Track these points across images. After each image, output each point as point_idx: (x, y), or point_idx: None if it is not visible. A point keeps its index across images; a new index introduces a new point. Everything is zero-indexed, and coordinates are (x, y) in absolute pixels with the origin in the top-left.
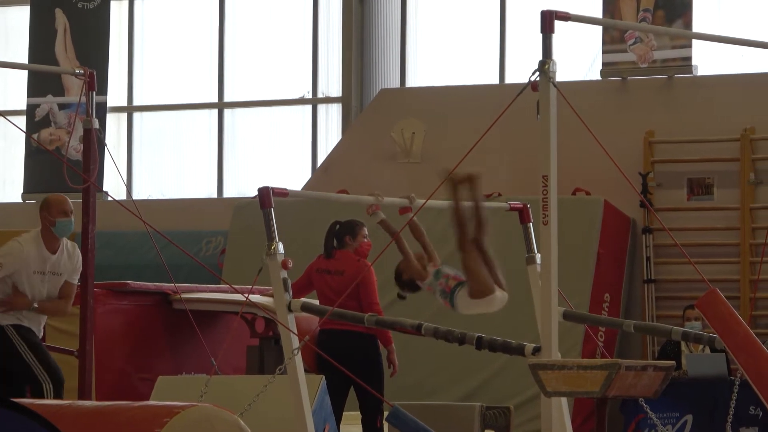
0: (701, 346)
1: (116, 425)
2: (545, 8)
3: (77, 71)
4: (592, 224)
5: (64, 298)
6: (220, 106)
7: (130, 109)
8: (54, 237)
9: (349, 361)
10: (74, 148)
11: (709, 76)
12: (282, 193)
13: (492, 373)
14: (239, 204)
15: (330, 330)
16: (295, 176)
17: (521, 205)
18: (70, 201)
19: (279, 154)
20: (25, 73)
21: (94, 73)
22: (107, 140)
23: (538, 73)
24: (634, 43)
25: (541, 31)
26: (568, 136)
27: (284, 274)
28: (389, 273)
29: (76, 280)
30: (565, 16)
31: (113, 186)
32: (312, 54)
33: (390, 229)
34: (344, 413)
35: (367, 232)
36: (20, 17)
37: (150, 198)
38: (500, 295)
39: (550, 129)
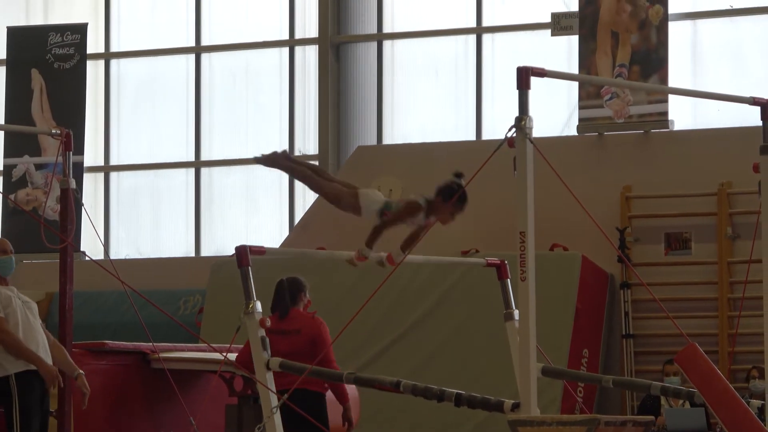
0: (681, 401)
1: None
2: (521, 64)
3: (54, 131)
4: (570, 280)
5: None
6: (197, 164)
7: (106, 169)
8: None
9: (304, 421)
10: (51, 208)
11: (685, 130)
12: (259, 251)
13: (471, 429)
14: (217, 262)
15: (284, 391)
16: (272, 234)
17: (499, 262)
18: (8, 242)
19: (256, 213)
20: (1, 134)
21: (71, 133)
22: (84, 200)
23: (514, 129)
24: (611, 98)
25: (518, 88)
26: (546, 191)
27: (262, 332)
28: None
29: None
30: (541, 72)
31: (90, 245)
32: (288, 111)
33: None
34: None
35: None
36: None
37: (127, 257)
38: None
39: (527, 185)
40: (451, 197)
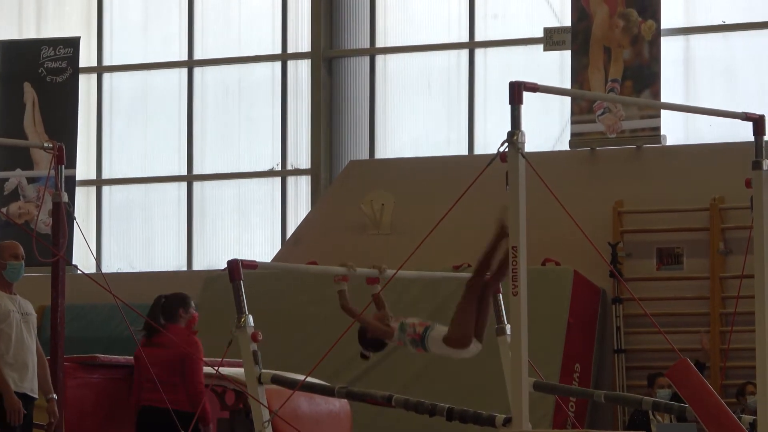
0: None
1: None
2: (513, 79)
3: (46, 145)
4: (562, 294)
5: None
6: (189, 178)
7: (99, 183)
8: (5, 281)
9: None
10: (43, 221)
11: (677, 146)
12: (251, 265)
13: None
14: (209, 276)
15: (149, 407)
16: (264, 248)
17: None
18: (21, 247)
19: (248, 227)
20: None
21: (63, 146)
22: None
23: (506, 144)
24: (603, 113)
25: (510, 102)
26: (538, 206)
27: (254, 346)
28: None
29: None
30: (534, 87)
31: (82, 259)
32: (281, 125)
33: (346, 305)
34: None
35: (193, 304)
36: None
37: (119, 271)
38: (474, 348)
39: (518, 200)
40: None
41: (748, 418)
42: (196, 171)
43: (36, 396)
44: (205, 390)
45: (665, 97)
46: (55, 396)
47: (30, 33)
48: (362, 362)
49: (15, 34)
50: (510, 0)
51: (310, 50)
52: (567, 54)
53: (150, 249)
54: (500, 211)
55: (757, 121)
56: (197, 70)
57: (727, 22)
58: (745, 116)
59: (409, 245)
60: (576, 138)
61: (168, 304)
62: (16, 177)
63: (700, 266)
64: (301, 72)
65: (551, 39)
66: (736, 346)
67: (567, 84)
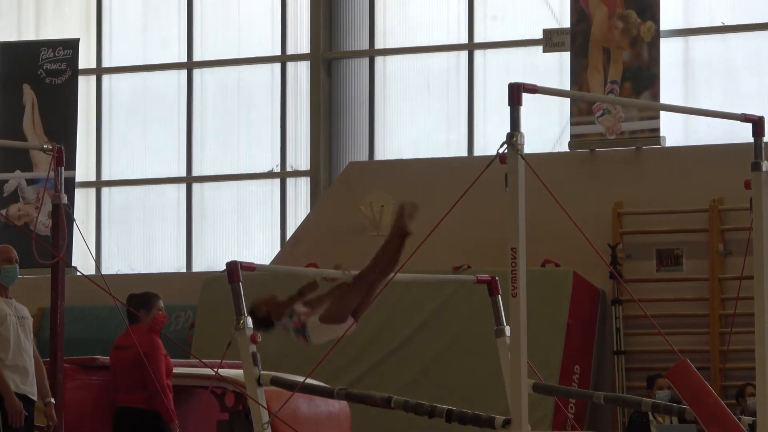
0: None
1: None
2: (513, 81)
3: (45, 147)
4: (562, 296)
5: None
6: (189, 180)
7: (98, 184)
8: (0, 285)
9: None
10: (43, 223)
11: (677, 147)
12: (250, 267)
13: None
14: (208, 278)
15: (123, 408)
16: (264, 250)
17: (490, 278)
18: (15, 251)
19: (248, 228)
20: None
21: (63, 148)
22: (76, 215)
23: (506, 146)
24: (602, 114)
25: (509, 104)
26: (537, 208)
27: (253, 348)
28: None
29: None
30: (533, 89)
31: (82, 261)
32: (280, 127)
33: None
34: None
35: (162, 305)
36: None
37: (119, 272)
38: (346, 324)
39: (518, 201)
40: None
41: (747, 419)
42: (195, 172)
43: (35, 399)
44: (167, 389)
45: (664, 99)
46: (52, 400)
47: (29, 35)
48: (362, 364)
49: (14, 35)
50: (509, 1)
51: (309, 52)
52: (566, 55)
53: (149, 250)
54: (405, 209)
55: (756, 122)
56: (196, 72)
57: (726, 24)
58: (745, 117)
59: (409, 247)
60: (575, 139)
61: (131, 305)
62: (15, 179)
63: (700, 267)
64: (300, 73)
65: (550, 40)
66: (735, 348)
67: (566, 85)
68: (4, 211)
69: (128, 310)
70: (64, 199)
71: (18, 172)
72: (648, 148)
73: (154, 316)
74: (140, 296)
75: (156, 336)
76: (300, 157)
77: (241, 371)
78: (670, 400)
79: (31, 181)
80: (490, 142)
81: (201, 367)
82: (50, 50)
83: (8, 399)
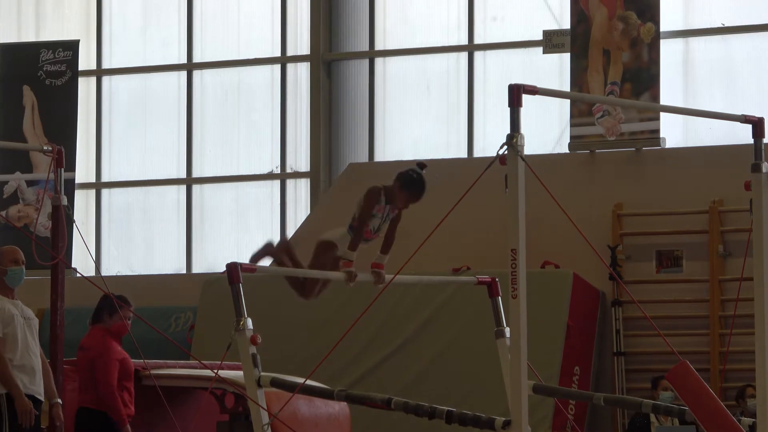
0: (671, 418)
1: None
2: (513, 82)
3: (45, 148)
4: (562, 297)
5: None
6: (189, 181)
7: (98, 186)
8: (6, 287)
9: None
10: (43, 224)
11: (677, 148)
12: (250, 269)
13: None
14: (208, 280)
15: (83, 408)
16: None
17: (490, 279)
18: (21, 252)
19: (248, 229)
20: None
21: (62, 149)
22: (76, 217)
23: (506, 147)
24: (602, 116)
25: (509, 105)
26: (537, 209)
27: (253, 349)
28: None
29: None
30: (533, 90)
31: (82, 262)
32: (280, 128)
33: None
34: None
35: (130, 315)
36: None
37: (119, 274)
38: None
39: (518, 202)
40: (408, 185)
41: (747, 420)
42: (195, 174)
43: (43, 399)
44: (117, 391)
45: (664, 100)
46: (59, 400)
47: (29, 36)
48: (361, 365)
49: (14, 37)
50: (509, 3)
51: (309, 53)
52: (566, 57)
53: (149, 252)
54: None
55: (756, 123)
56: (196, 73)
57: (726, 25)
58: (744, 119)
59: (408, 248)
60: (575, 141)
61: (98, 306)
62: (15, 180)
63: (700, 269)
64: (300, 75)
65: (550, 42)
66: (735, 349)
67: (566, 87)
68: (3, 213)
69: (96, 308)
70: (64, 200)
71: (18, 174)
72: (648, 150)
73: (115, 321)
74: (108, 298)
75: (111, 339)
76: (300, 158)
77: (241, 373)
78: (674, 402)
79: (30, 183)
80: (490, 143)
81: (201, 368)
82: (50, 51)
83: (18, 399)
